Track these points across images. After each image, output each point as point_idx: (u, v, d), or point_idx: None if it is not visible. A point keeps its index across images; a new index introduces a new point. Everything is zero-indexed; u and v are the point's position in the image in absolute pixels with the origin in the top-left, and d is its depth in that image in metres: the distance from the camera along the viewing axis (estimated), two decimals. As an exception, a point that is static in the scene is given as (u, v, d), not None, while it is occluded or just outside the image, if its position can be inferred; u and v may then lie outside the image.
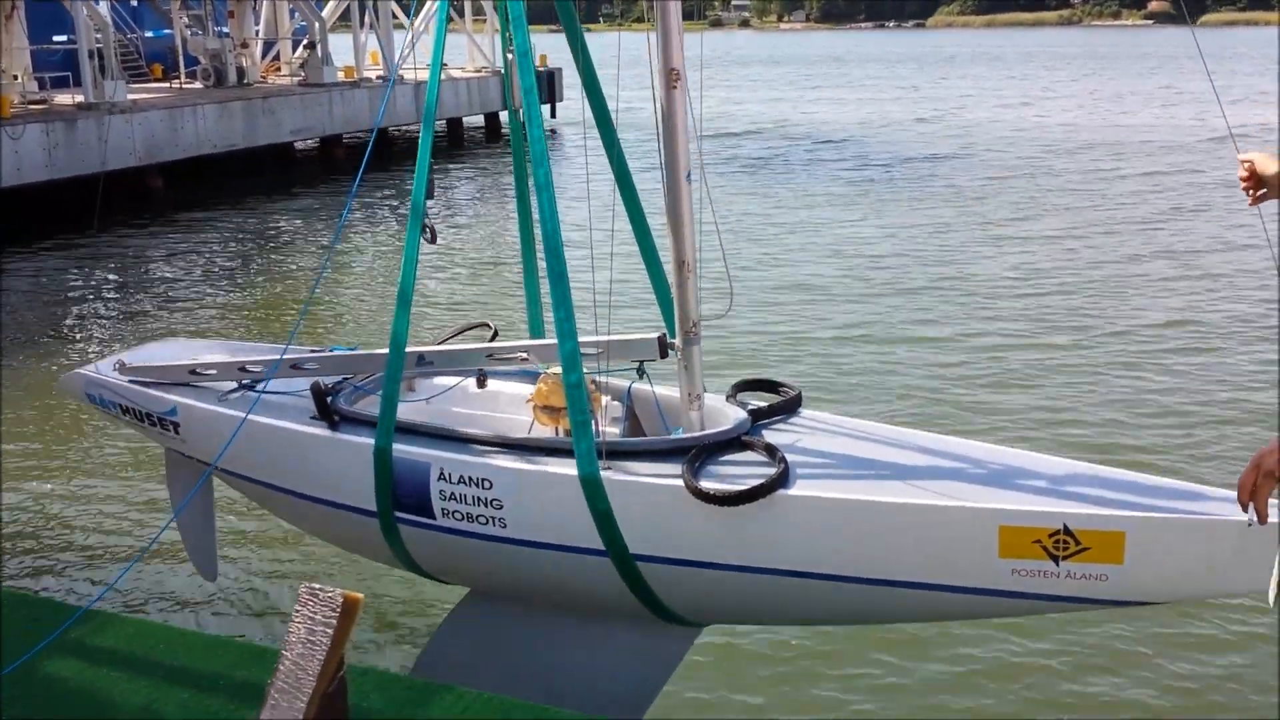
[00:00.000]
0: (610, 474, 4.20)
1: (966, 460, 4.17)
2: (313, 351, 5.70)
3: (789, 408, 4.77)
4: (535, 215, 4.60)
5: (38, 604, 5.40)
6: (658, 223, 4.77)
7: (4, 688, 4.16)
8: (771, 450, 4.23)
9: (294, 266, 17.49)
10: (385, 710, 4.07)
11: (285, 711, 2.03)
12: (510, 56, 4.78)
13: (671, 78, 4.24)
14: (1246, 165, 3.19)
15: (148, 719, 4.08)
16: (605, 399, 4.94)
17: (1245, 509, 3.21)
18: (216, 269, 17.26)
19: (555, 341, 4.27)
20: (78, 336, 13.55)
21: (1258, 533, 3.41)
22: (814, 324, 12.61)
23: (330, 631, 2.02)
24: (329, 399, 4.97)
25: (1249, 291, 13.61)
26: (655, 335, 4.53)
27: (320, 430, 4.96)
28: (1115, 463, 4.31)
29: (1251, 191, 3.20)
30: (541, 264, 4.76)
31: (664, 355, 4.54)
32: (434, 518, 4.63)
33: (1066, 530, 3.63)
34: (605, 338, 4.61)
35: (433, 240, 4.73)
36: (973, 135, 31.54)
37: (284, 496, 5.32)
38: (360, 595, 2.47)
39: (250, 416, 5.03)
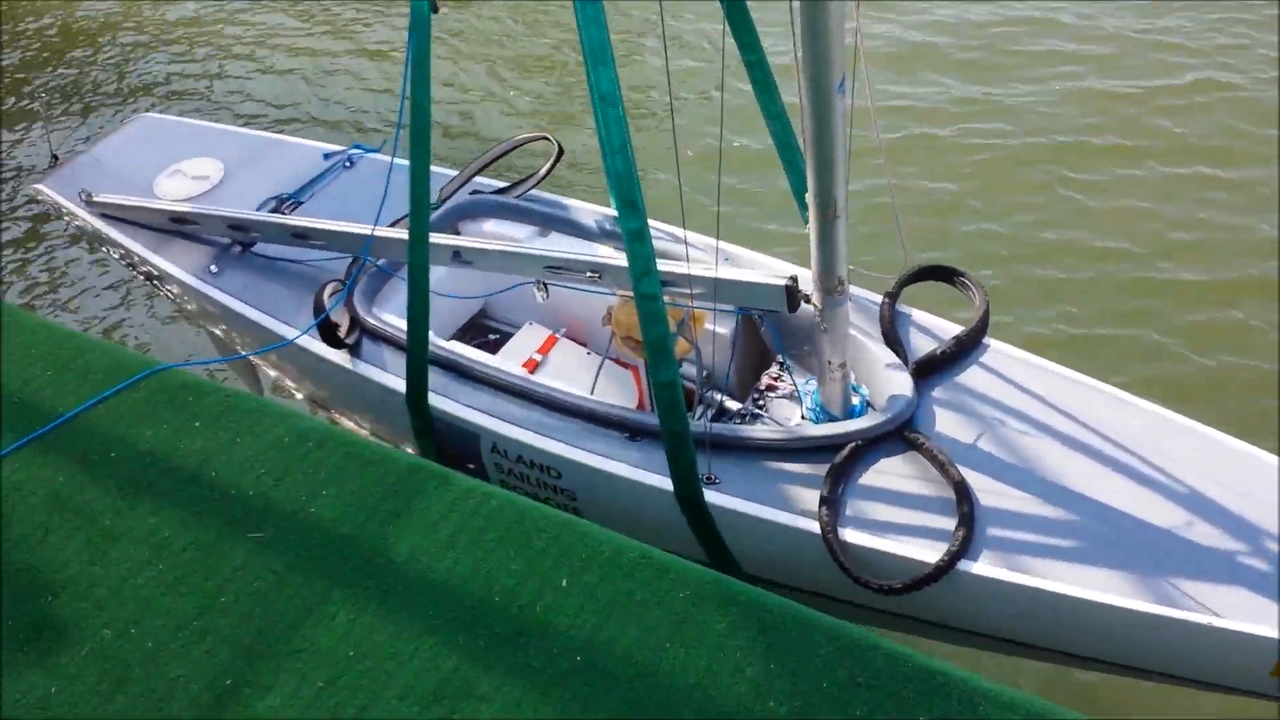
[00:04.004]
0: (717, 494, 3.40)
1: (1232, 483, 3.15)
2: (311, 188, 4.95)
3: (971, 342, 3.68)
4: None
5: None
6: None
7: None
8: (955, 481, 3.19)
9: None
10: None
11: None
12: None
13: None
14: None
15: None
16: (710, 320, 4.04)
17: None
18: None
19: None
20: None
21: None
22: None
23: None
24: (351, 294, 4.19)
25: None
26: (782, 281, 3.52)
27: (338, 358, 4.15)
28: None
29: None
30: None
31: (793, 309, 3.56)
32: (488, 478, 3.95)
33: None
34: (714, 274, 3.58)
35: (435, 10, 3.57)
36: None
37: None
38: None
39: (246, 312, 4.42)
